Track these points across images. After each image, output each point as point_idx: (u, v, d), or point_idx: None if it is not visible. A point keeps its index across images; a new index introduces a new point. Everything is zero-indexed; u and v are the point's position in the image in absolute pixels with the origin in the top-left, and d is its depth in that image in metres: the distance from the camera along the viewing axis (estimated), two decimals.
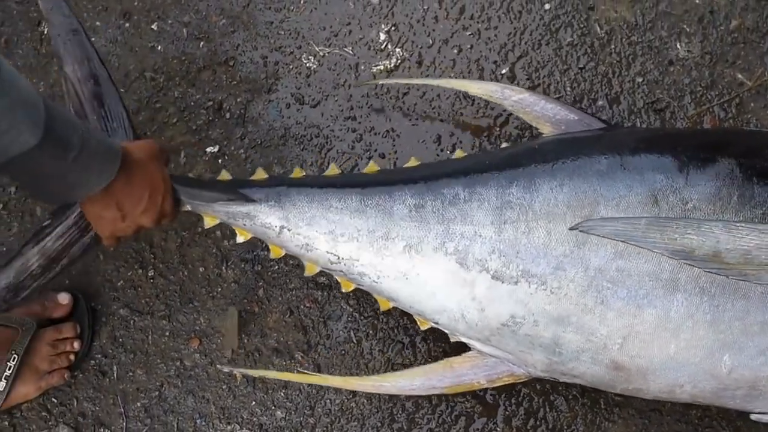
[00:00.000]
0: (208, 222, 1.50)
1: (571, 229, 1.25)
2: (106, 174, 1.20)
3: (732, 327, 1.23)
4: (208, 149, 1.85)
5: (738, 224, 1.18)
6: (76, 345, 1.67)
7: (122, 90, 1.91)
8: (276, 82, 1.89)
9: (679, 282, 1.24)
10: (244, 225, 1.46)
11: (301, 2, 1.95)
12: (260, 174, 1.50)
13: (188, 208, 1.46)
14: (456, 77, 1.85)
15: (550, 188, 1.31)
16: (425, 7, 1.91)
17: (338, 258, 1.42)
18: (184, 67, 1.92)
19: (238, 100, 1.88)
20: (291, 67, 1.90)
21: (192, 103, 1.89)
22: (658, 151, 1.32)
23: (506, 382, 1.44)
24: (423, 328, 1.46)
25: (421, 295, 1.40)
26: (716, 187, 1.25)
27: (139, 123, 1.88)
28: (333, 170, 1.50)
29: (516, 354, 1.39)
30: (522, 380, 1.44)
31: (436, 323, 1.43)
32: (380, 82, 1.84)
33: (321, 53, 1.90)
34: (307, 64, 1.89)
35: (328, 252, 1.42)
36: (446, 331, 1.45)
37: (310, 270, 1.47)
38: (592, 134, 1.46)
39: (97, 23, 1.98)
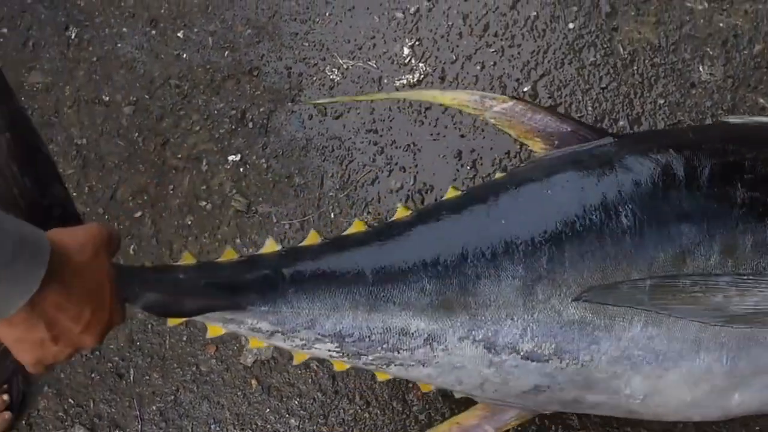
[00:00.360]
0: (172, 322, 1.26)
1: (575, 300, 1.18)
2: (24, 282, 0.81)
3: (744, 372, 1.22)
4: (230, 158, 1.87)
5: (746, 277, 1.17)
6: (5, 397, 1.68)
7: (147, 96, 1.94)
8: (299, 93, 1.91)
9: (701, 341, 1.20)
10: (225, 326, 1.24)
11: (327, 14, 1.97)
12: (230, 254, 1.25)
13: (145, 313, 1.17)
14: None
15: (580, 255, 1.19)
16: (450, 23, 1.92)
17: (342, 354, 1.25)
18: (209, 76, 1.94)
19: (261, 110, 1.90)
20: (315, 78, 1.92)
21: (215, 112, 1.91)
22: (676, 190, 1.22)
23: (514, 425, 1.39)
24: (425, 390, 1.36)
25: (435, 375, 1.27)
26: (733, 237, 1.19)
27: (163, 129, 1.91)
28: (313, 237, 1.27)
29: (530, 408, 1.35)
30: (529, 418, 1.41)
31: (443, 389, 1.36)
32: (336, 101, 1.85)
33: (345, 66, 1.92)
34: (331, 76, 1.91)
35: (329, 350, 1.25)
36: (453, 392, 1.37)
37: (299, 359, 1.30)
38: (594, 155, 1.31)
39: (124, 29, 2.01)
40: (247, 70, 1.94)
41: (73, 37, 2.01)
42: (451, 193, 1.32)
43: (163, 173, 1.87)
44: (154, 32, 2.00)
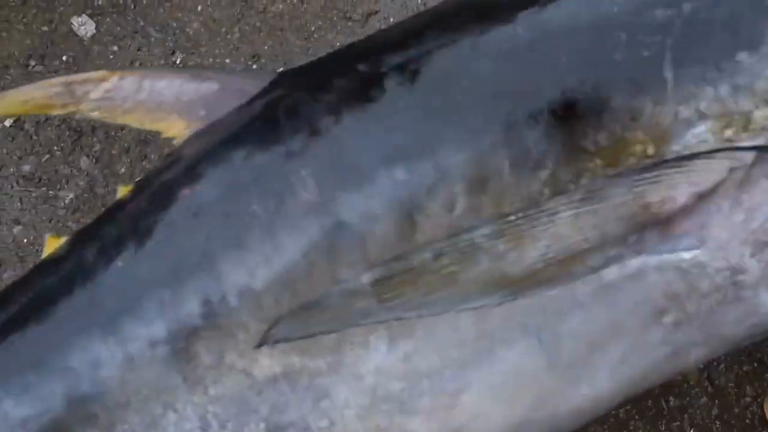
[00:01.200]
0: None
1: (257, 347, 0.77)
2: None
3: (577, 351, 0.83)
4: None
5: (514, 217, 0.76)
6: None
7: None
8: None
9: (490, 333, 0.80)
10: None
11: None
12: None
13: None
14: None
15: (248, 272, 0.79)
16: None
17: None
18: None
19: None
20: None
21: None
22: (366, 128, 0.83)
23: None
24: None
25: None
26: (478, 160, 0.77)
27: None
28: None
29: None
30: None
31: None
32: None
33: None
34: None
35: None
36: None
37: None
38: (255, 113, 0.92)
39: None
40: None
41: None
42: (51, 243, 0.90)
43: None
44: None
